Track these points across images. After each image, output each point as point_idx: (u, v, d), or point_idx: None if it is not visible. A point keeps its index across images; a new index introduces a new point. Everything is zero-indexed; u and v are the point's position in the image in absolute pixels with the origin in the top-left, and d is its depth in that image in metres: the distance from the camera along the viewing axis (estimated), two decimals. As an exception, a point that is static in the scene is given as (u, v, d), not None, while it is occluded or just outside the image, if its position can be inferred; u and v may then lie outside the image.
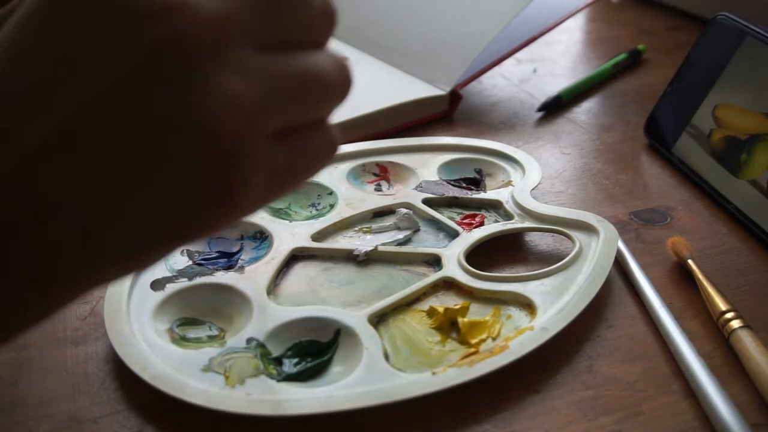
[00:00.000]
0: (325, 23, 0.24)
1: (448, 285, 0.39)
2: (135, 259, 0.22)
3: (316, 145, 0.24)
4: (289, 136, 0.23)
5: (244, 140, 0.21)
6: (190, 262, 0.40)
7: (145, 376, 0.32)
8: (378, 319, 0.37)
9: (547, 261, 0.41)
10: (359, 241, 0.42)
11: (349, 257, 0.41)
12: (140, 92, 0.20)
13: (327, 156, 0.25)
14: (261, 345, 0.35)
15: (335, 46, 0.66)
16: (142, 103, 0.20)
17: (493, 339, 0.36)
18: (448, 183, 0.47)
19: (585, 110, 0.60)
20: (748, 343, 0.35)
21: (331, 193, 0.46)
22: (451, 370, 0.33)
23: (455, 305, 0.37)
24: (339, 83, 0.24)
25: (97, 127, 0.20)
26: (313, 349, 0.35)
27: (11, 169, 0.19)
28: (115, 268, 0.22)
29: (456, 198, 0.46)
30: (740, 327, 0.36)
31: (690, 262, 0.41)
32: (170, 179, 0.20)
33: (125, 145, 0.20)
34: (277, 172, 0.23)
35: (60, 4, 0.20)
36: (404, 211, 0.44)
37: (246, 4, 0.21)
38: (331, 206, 0.45)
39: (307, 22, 0.23)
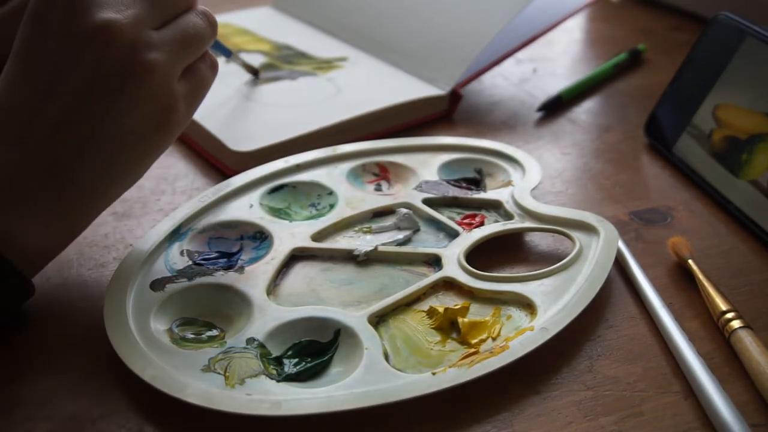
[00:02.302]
0: None
1: (448, 285, 0.39)
2: (126, 169, 0.37)
3: (203, 69, 0.39)
4: (187, 71, 0.37)
5: (166, 84, 0.35)
6: (190, 263, 0.40)
7: (145, 376, 0.32)
8: (378, 320, 0.37)
9: (547, 261, 0.41)
10: (359, 241, 0.42)
11: (349, 257, 0.41)
12: (101, 76, 0.34)
13: (213, 74, 0.40)
14: (261, 345, 0.35)
15: (337, 46, 0.66)
16: (104, 81, 0.34)
17: (494, 339, 0.36)
18: (448, 183, 0.47)
19: (585, 110, 0.60)
20: (748, 343, 0.35)
21: (331, 193, 0.46)
22: (451, 371, 0.33)
23: (455, 305, 0.37)
24: (209, 30, 0.38)
25: (86, 104, 0.34)
26: (313, 349, 0.35)
27: (48, 131, 0.34)
28: (108, 185, 0.37)
29: (456, 198, 0.46)
30: (741, 327, 0.36)
31: (690, 262, 0.41)
32: (134, 116, 0.35)
33: (105, 104, 0.34)
34: (189, 96, 0.38)
35: (38, 31, 0.35)
36: (404, 211, 0.44)
37: (141, 7, 0.35)
38: (331, 206, 0.45)
39: (178, 1, 0.37)
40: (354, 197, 0.45)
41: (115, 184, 0.37)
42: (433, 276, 0.39)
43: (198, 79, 0.38)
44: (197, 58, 0.38)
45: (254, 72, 0.58)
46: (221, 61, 0.57)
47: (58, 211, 0.35)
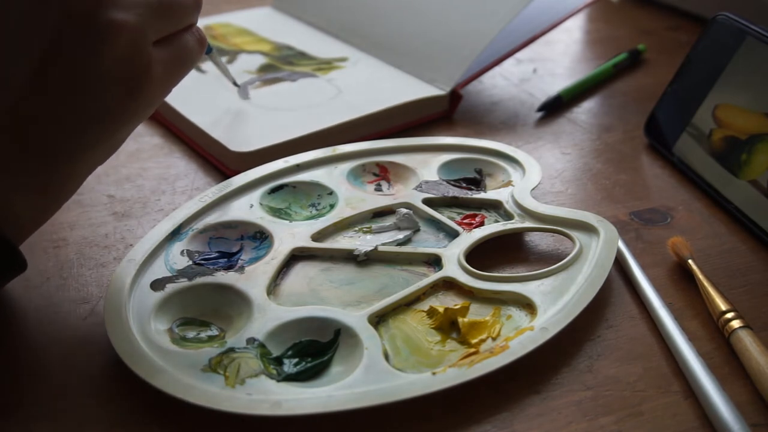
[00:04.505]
0: None
1: (448, 285, 0.39)
2: (101, 135, 0.35)
3: (189, 41, 0.38)
4: (169, 39, 0.37)
5: (137, 46, 0.34)
6: (190, 262, 0.40)
7: (145, 375, 0.32)
8: (378, 319, 0.37)
9: (547, 261, 0.41)
10: (359, 241, 0.42)
11: (349, 257, 0.41)
12: (67, 36, 0.33)
13: (199, 48, 0.39)
14: (261, 345, 0.35)
15: (337, 46, 0.66)
16: (72, 45, 0.33)
17: (493, 339, 0.36)
18: (448, 183, 0.47)
19: (585, 110, 0.60)
20: (748, 343, 0.35)
21: (331, 193, 0.46)
22: (451, 370, 0.33)
23: (455, 305, 0.37)
24: (190, 1, 0.37)
25: (54, 66, 0.33)
26: (313, 349, 0.35)
27: (16, 96, 0.33)
28: (83, 152, 0.35)
29: (456, 198, 0.46)
30: (740, 327, 0.36)
31: (690, 262, 0.41)
32: (103, 79, 0.34)
33: (71, 66, 0.33)
34: (168, 64, 0.36)
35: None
36: (404, 211, 0.44)
37: None
38: (331, 206, 0.45)
39: None
40: (354, 197, 0.45)
41: (92, 152, 0.36)
42: (433, 276, 0.39)
43: (181, 49, 0.37)
44: (183, 29, 0.37)
45: (233, 80, 0.56)
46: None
47: (33, 179, 0.35)
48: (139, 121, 0.37)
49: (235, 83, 0.56)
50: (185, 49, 0.37)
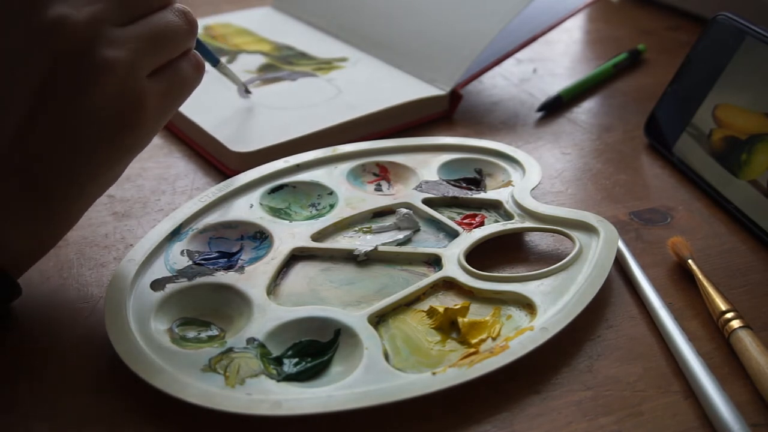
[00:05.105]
0: None
1: (448, 285, 0.39)
2: (95, 172, 0.35)
3: (185, 68, 0.37)
4: (164, 68, 0.35)
5: (129, 82, 0.33)
6: (190, 262, 0.40)
7: (145, 375, 0.32)
8: (378, 319, 0.37)
9: (547, 261, 0.41)
10: (359, 241, 0.42)
11: (349, 257, 0.41)
12: (56, 76, 0.32)
13: (196, 74, 0.38)
14: (261, 345, 0.35)
15: (337, 46, 0.66)
16: (59, 82, 0.32)
17: (493, 339, 0.36)
18: (448, 183, 0.47)
19: (585, 110, 0.60)
20: (748, 343, 0.35)
21: (331, 193, 0.46)
22: (451, 370, 0.33)
23: (455, 305, 0.37)
24: (185, 27, 0.36)
25: (46, 106, 0.33)
26: (313, 349, 0.35)
27: (8, 138, 0.33)
28: (79, 188, 0.35)
29: (456, 198, 0.46)
30: (740, 327, 0.36)
31: (690, 262, 0.41)
32: (94, 118, 0.33)
33: (62, 106, 0.33)
34: (163, 95, 0.35)
35: None
36: (404, 211, 0.44)
37: (104, 4, 0.33)
38: (331, 206, 0.45)
39: None
40: (354, 197, 0.45)
41: (90, 186, 0.36)
42: (433, 276, 0.39)
43: (177, 78, 0.36)
44: (179, 57, 0.36)
45: (244, 87, 0.55)
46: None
47: (32, 217, 0.34)
48: (137, 152, 0.36)
49: (247, 90, 0.56)
50: (180, 78, 0.36)
